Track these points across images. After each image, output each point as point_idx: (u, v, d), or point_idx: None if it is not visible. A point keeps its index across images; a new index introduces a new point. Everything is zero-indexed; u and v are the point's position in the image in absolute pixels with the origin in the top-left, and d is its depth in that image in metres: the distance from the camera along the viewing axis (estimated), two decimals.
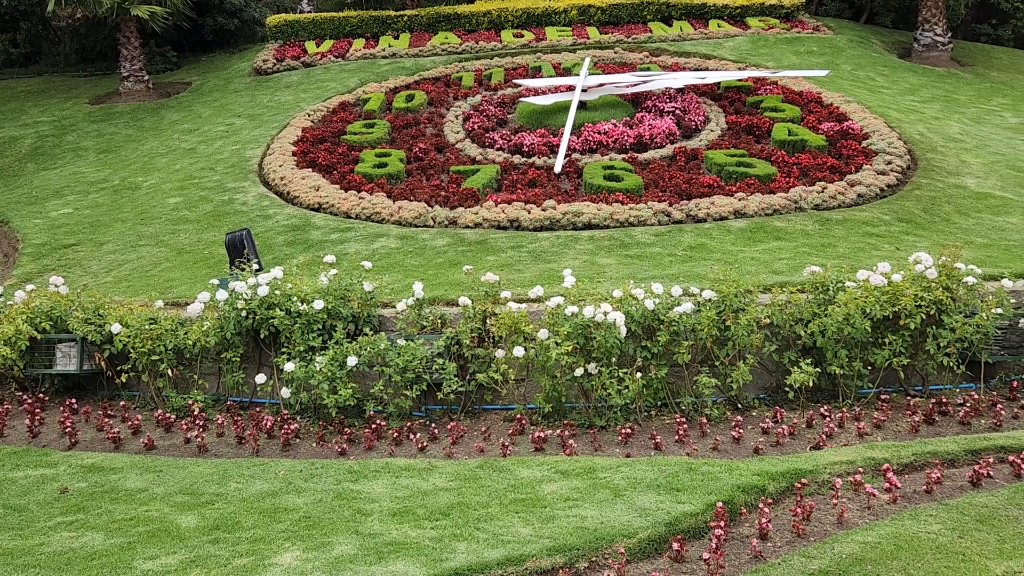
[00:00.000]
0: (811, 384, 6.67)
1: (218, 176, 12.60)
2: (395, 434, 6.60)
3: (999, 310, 6.79)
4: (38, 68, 22.13)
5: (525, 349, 6.58)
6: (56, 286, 8.15)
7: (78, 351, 7.63)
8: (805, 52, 17.21)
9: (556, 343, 6.47)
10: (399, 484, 5.50)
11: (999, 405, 6.60)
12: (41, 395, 7.72)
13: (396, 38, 18.95)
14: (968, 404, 6.59)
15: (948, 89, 16.45)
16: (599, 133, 12.33)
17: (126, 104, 18.04)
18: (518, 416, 6.78)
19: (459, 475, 5.64)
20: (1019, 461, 5.52)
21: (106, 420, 7.14)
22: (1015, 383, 6.98)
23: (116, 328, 7.39)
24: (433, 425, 6.78)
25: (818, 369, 6.69)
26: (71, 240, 11.11)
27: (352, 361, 6.73)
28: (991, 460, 5.53)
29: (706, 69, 15.73)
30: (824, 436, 6.22)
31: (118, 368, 7.54)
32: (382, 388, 6.82)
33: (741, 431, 6.36)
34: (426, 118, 14.07)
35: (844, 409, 6.72)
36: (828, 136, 12.09)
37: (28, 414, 7.30)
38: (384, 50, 18.21)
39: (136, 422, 7.09)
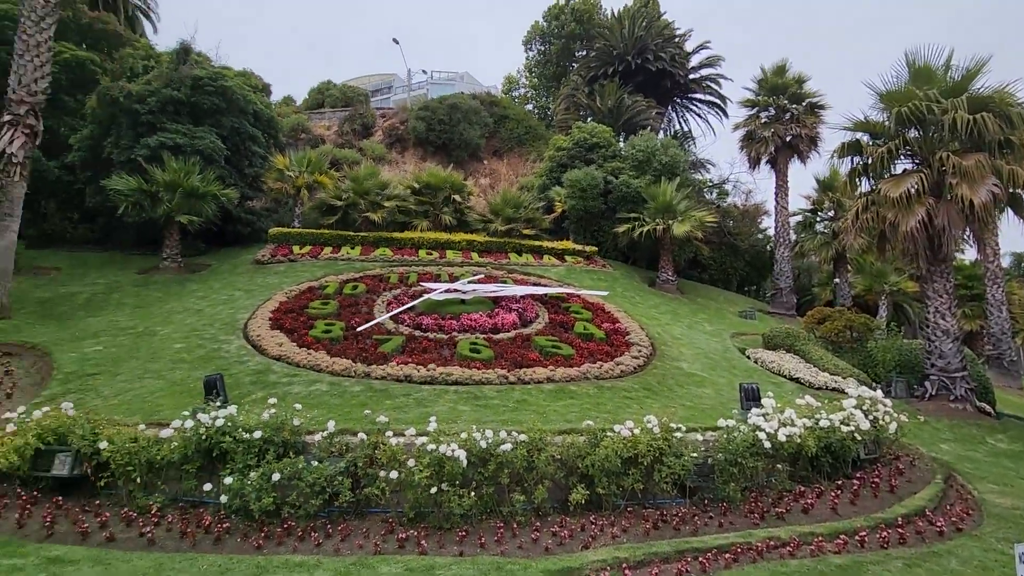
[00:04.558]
0: (584, 501, 6.44)
1: (214, 330, 11.63)
2: (300, 532, 5.80)
3: (695, 454, 6.89)
4: (106, 246, 20.49)
5: (399, 473, 6.08)
6: (65, 408, 7.04)
7: (71, 459, 6.49)
8: (596, 279, 18.24)
9: (419, 470, 6.02)
10: None
11: (696, 516, 6.54)
12: (36, 492, 6.44)
13: (352, 248, 18.83)
14: (678, 516, 6.48)
15: (674, 307, 17.66)
16: (471, 320, 12.31)
17: (162, 276, 16.78)
18: (390, 519, 6.13)
19: (338, 571, 4.94)
20: (705, 561, 5.39)
21: (81, 516, 5.98)
22: (706, 500, 6.97)
23: (103, 444, 6.37)
24: (330, 525, 6.01)
25: (588, 491, 6.48)
26: (95, 371, 9.76)
27: (277, 477, 6.00)
28: (689, 559, 5.38)
29: (539, 284, 16.32)
30: (590, 538, 5.91)
31: (100, 474, 6.43)
32: (296, 497, 6.07)
33: (538, 534, 5.97)
34: (363, 301, 13.71)
35: (605, 517, 6.46)
36: (606, 332, 12.52)
37: (20, 509, 6.03)
38: (343, 256, 17.99)
39: (104, 518, 5.96)
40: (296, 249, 18.32)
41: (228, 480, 6.00)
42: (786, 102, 24.45)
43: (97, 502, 6.32)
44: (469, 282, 14.95)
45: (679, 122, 36.14)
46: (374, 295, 14.30)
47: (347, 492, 6.12)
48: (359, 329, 11.36)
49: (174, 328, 12.05)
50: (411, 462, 6.06)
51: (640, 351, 11.68)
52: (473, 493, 6.14)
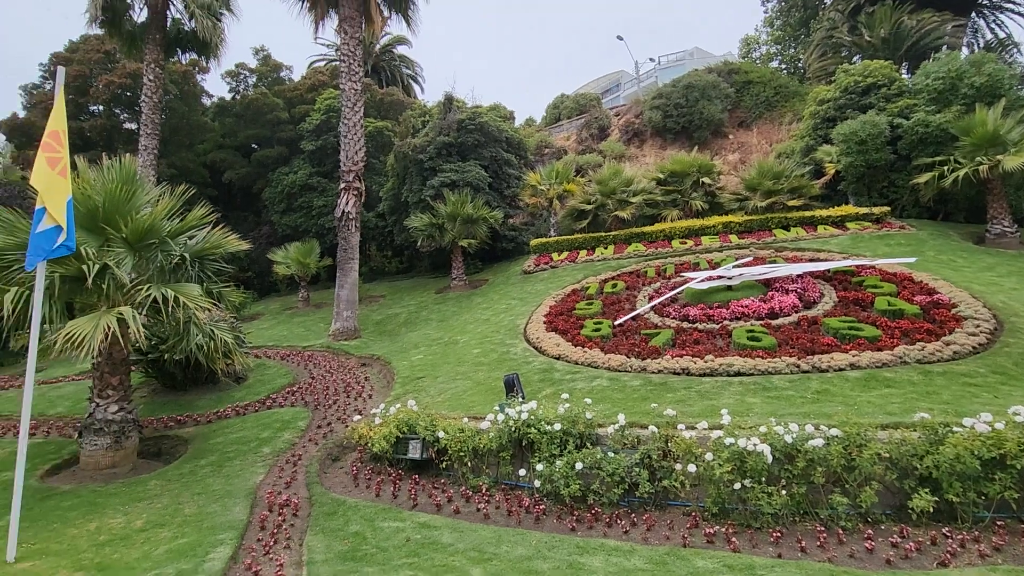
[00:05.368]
0: (930, 509, 5.34)
1: (501, 336, 13.19)
2: (607, 519, 6.12)
3: None
4: (411, 274, 25.26)
5: (696, 466, 5.95)
6: (411, 405, 8.80)
7: (420, 445, 8.06)
8: (894, 244, 15.10)
9: (719, 464, 5.79)
10: (610, 561, 5.03)
11: None
12: (400, 471, 8.18)
13: (606, 248, 19.35)
14: None
15: (1021, 266, 13.49)
16: (742, 307, 11.43)
17: (454, 293, 19.84)
18: (693, 513, 6.04)
19: (652, 559, 5.05)
20: None
21: (433, 491, 7.37)
22: None
23: (441, 434, 7.75)
24: (633, 514, 6.23)
25: (935, 498, 5.35)
26: (421, 375, 12.05)
27: (579, 466, 6.46)
28: None
29: (818, 260, 14.29)
30: (947, 555, 4.86)
31: (441, 458, 7.84)
32: (598, 486, 6.44)
33: (873, 543, 5.16)
34: (624, 298, 13.94)
35: (964, 531, 5.25)
36: (922, 306, 10.25)
37: (392, 483, 7.74)
38: (598, 257, 18.61)
39: (449, 494, 7.22)
40: (555, 256, 19.64)
41: (539, 467, 6.70)
42: None
43: (443, 480, 7.72)
44: (734, 266, 13.93)
45: (990, 29, 27.85)
46: (634, 291, 14.42)
47: (645, 483, 6.24)
48: (616, 323, 11.69)
49: (470, 336, 14.06)
50: (708, 456, 5.88)
51: (978, 326, 9.22)
52: (784, 492, 5.64)
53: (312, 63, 38.07)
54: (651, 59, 42.29)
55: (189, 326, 9.29)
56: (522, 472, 7.06)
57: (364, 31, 19.03)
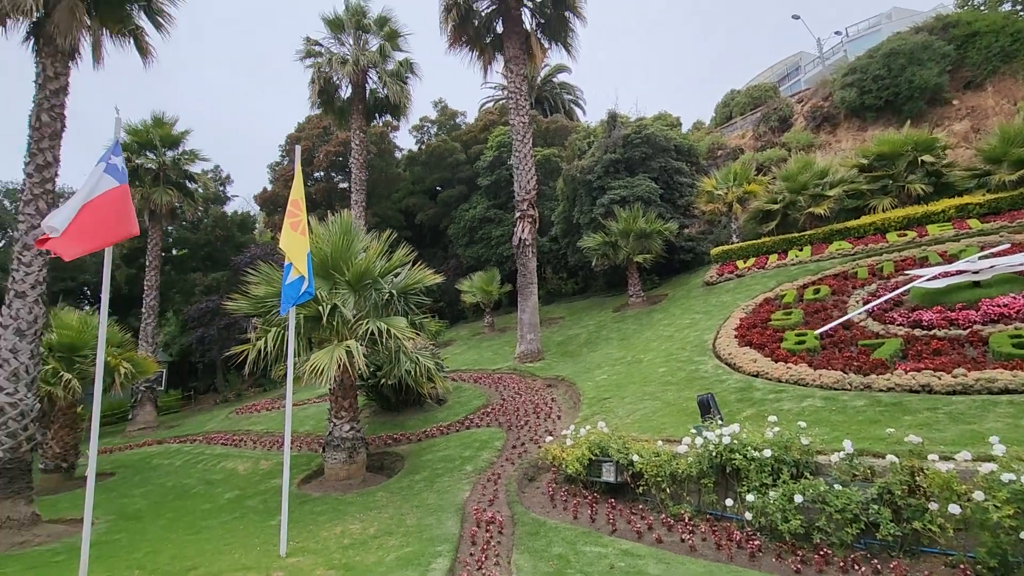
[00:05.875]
0: None
1: (687, 353, 12.46)
2: (841, 563, 5.27)
3: None
4: (587, 294, 25.39)
5: (960, 507, 4.84)
6: (601, 427, 8.68)
7: (614, 468, 7.89)
8: None
9: (995, 506, 4.63)
10: None
11: None
12: (595, 494, 8.08)
13: (801, 250, 17.29)
14: None
15: None
16: (999, 306, 9.24)
17: (632, 311, 19.38)
18: (961, 565, 4.89)
19: None
20: None
21: (632, 517, 7.11)
22: None
23: (635, 457, 7.49)
24: (875, 560, 5.27)
25: None
26: (607, 395, 11.88)
27: (799, 499, 5.71)
28: None
29: None
30: None
31: (636, 482, 7.57)
32: (824, 522, 5.60)
33: None
34: (831, 305, 12.22)
35: None
36: None
37: (589, 506, 7.66)
38: (792, 260, 16.67)
39: (649, 521, 6.90)
40: (740, 264, 18.11)
41: (750, 498, 6.07)
42: None
43: (641, 506, 7.42)
44: (980, 257, 11.39)
45: None
46: (842, 296, 12.62)
47: (888, 524, 5.25)
48: (819, 331, 10.30)
49: (654, 354, 13.54)
50: (978, 495, 4.74)
51: None
52: None
53: (482, 105, 41.17)
54: (836, 32, 37.42)
55: (399, 354, 10.44)
56: (728, 502, 6.47)
57: (527, 67, 20.00)
